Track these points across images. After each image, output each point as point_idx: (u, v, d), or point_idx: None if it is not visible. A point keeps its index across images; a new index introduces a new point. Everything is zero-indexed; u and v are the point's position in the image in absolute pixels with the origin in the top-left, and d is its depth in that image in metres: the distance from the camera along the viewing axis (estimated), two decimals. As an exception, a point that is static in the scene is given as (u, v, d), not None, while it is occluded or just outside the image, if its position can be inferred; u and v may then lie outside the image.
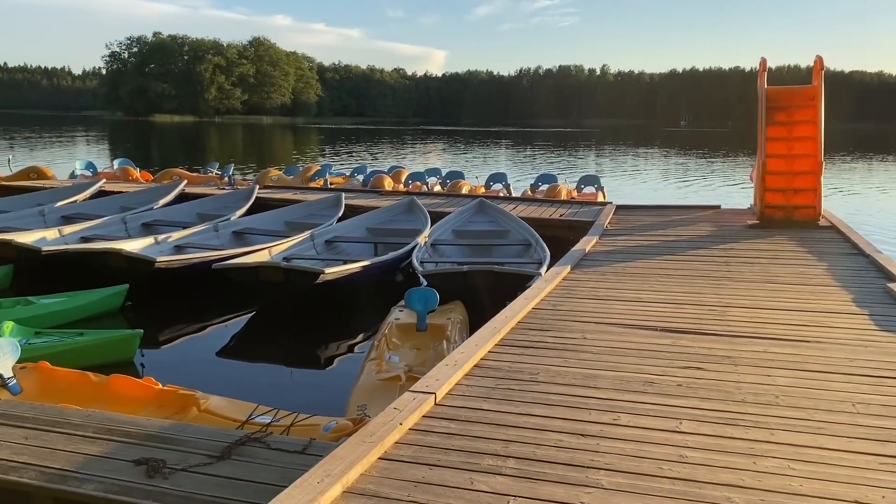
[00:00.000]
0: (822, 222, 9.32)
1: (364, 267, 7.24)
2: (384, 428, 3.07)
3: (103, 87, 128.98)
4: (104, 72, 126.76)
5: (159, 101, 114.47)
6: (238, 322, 6.88)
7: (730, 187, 21.36)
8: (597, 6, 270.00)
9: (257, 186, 11.75)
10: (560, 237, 10.05)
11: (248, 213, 10.54)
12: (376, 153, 38.55)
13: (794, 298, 5.72)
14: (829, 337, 4.66)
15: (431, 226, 9.48)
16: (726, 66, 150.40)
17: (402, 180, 14.32)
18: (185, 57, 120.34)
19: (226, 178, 14.13)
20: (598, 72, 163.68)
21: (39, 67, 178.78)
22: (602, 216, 10.23)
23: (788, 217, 9.39)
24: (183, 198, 11.49)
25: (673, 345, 4.51)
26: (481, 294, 6.59)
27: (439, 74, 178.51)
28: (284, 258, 8.06)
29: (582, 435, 3.15)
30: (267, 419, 3.92)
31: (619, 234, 9.04)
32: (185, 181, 12.54)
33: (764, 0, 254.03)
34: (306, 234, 8.78)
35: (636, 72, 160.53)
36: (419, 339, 5.39)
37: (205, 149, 42.21)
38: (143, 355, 5.46)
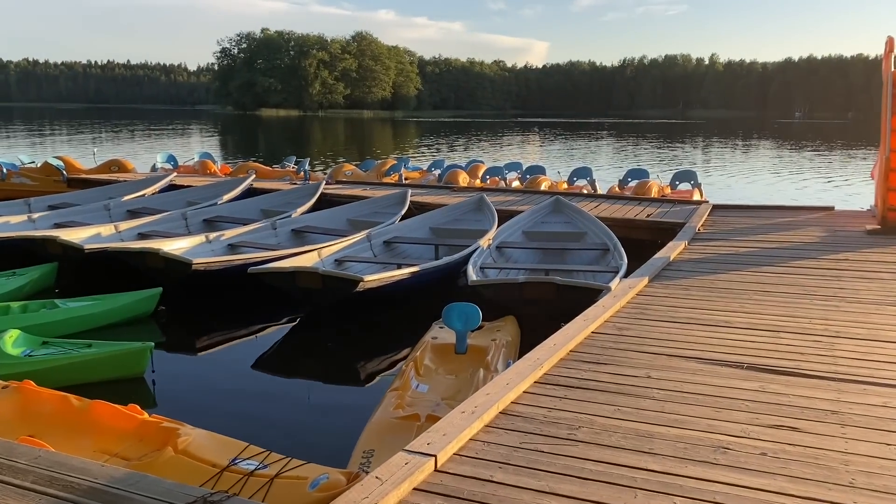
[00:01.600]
0: (960, 229, 7.90)
1: (413, 273, 6.55)
2: (356, 507, 2.36)
3: (214, 82, 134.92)
4: (216, 67, 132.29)
5: (266, 95, 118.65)
6: (278, 331, 6.34)
7: (847, 185, 19.35)
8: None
9: (324, 182, 11.29)
10: (645, 241, 9.06)
11: (314, 209, 10.09)
12: (469, 145, 37.94)
13: (926, 329, 4.60)
14: (975, 387, 3.58)
15: (501, 226, 8.70)
16: (848, 53, 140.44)
17: (480, 175, 13.55)
18: (291, 52, 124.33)
19: (301, 173, 13.82)
20: (707, 61, 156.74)
21: (158, 64, 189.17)
22: (695, 217, 9.13)
23: (917, 222, 8.02)
24: (251, 193, 11.19)
25: (761, 390, 3.57)
26: (540, 309, 5.78)
27: (540, 66, 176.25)
28: (336, 260, 7.50)
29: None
30: (252, 465, 3.30)
31: (712, 239, 7.97)
32: (254, 175, 12.25)
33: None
34: (363, 233, 8.20)
35: (747, 61, 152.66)
36: (457, 364, 4.65)
37: (308, 142, 42.92)
38: (153, 371, 4.98)
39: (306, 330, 6.39)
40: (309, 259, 7.06)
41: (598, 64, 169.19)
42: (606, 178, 17.90)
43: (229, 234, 8.35)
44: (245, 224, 8.96)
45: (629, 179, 12.97)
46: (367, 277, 6.01)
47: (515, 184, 13.23)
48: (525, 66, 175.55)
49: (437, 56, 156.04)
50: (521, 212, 9.37)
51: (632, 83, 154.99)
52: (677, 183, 12.84)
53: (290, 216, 9.31)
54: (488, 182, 13.36)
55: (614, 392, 3.55)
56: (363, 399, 4.73)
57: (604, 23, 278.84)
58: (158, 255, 6.67)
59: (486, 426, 3.10)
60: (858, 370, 3.85)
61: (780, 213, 9.64)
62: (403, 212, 9.49)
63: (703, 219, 9.09)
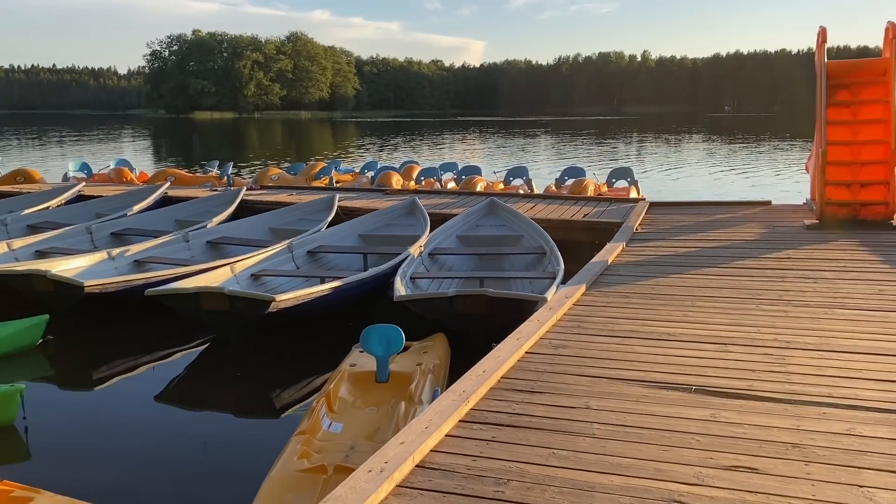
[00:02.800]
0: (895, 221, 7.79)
1: (335, 288, 6.01)
2: None
3: (145, 85, 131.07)
4: (146, 71, 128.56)
5: (199, 98, 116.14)
6: (183, 359, 5.70)
7: (779, 178, 19.58)
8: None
9: (244, 189, 10.61)
10: (583, 242, 8.72)
11: (233, 218, 9.41)
12: (407, 146, 37.38)
13: (878, 334, 4.30)
14: (941, 405, 3.26)
15: (434, 230, 8.23)
16: (771, 48, 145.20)
17: (414, 177, 13.05)
18: (224, 54, 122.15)
19: (224, 179, 13.08)
20: (640, 58, 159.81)
21: (86, 68, 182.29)
22: (632, 216, 8.83)
23: (854, 216, 7.88)
24: (166, 202, 10.42)
25: (713, 419, 3.17)
26: (472, 324, 5.31)
27: (477, 65, 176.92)
28: (253, 275, 6.89)
29: None
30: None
31: (650, 240, 7.65)
32: (168, 183, 11.46)
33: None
34: (284, 244, 7.59)
35: (678, 57, 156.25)
36: (377, 394, 4.13)
37: (244, 145, 41.71)
38: (25, 418, 4.31)
39: (215, 357, 5.77)
40: (220, 276, 6.44)
41: (534, 62, 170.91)
42: (544, 176, 17.64)
43: (136, 248, 7.63)
44: (156, 237, 8.24)
45: (566, 178, 12.67)
46: (281, 296, 5.44)
47: (451, 185, 12.78)
48: (463, 65, 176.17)
49: (374, 56, 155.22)
50: (456, 215, 8.92)
51: (568, 81, 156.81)
52: (614, 181, 12.60)
53: (205, 227, 8.63)
54: (423, 184, 12.88)
55: (549, 430, 3.09)
56: (275, 438, 4.17)
57: (539, 21, 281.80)
58: (46, 277, 5.95)
59: (398, 487, 2.60)
60: (815, 388, 3.49)
61: (717, 209, 9.43)
62: (330, 218, 8.92)
63: (641, 217, 8.80)
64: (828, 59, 8.34)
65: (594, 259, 6.57)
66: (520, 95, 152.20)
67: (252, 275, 6.86)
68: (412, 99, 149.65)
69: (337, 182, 13.07)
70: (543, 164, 24.32)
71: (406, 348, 4.78)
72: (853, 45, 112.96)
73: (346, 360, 4.51)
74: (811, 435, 2.98)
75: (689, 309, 5.00)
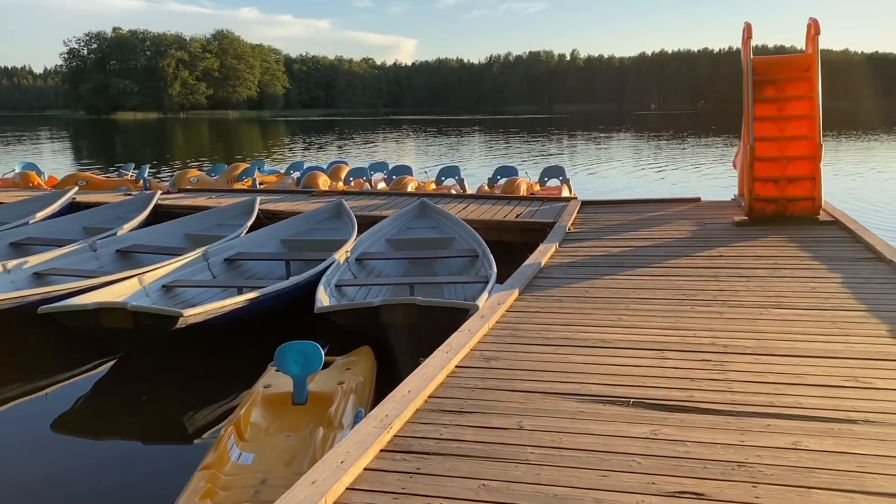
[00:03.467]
0: (822, 216, 7.85)
1: (253, 299, 5.60)
2: None
3: (63, 85, 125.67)
4: (64, 70, 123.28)
5: (121, 98, 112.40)
6: (83, 382, 5.21)
7: (706, 174, 19.93)
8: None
9: (158, 193, 10.01)
10: (516, 243, 8.53)
11: (146, 224, 8.84)
12: (338, 145, 36.74)
13: (815, 335, 4.20)
14: (887, 411, 3.13)
15: (362, 234, 7.88)
16: (695, 47, 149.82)
17: (342, 178, 12.64)
18: (147, 52, 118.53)
19: (140, 182, 12.39)
20: (569, 57, 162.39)
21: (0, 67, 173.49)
22: (564, 216, 8.68)
23: (782, 211, 7.90)
24: (74, 208, 9.73)
25: (654, 437, 2.95)
26: (402, 334, 5.00)
27: (409, 63, 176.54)
28: (165, 286, 6.40)
29: None
30: None
31: (583, 239, 7.50)
32: (77, 188, 10.74)
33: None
34: (200, 251, 7.11)
35: (606, 56, 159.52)
36: (294, 419, 3.78)
37: (169, 145, 40.24)
38: None
39: (118, 378, 5.29)
40: (127, 288, 5.94)
41: (465, 61, 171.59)
42: (477, 175, 17.46)
43: (36, 260, 7.01)
44: (60, 247, 7.61)
45: (498, 177, 12.49)
46: (190, 311, 5.00)
47: (381, 185, 12.41)
48: (395, 63, 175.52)
49: (304, 54, 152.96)
50: (386, 217, 8.59)
51: (499, 80, 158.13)
52: (546, 179, 12.49)
53: (115, 234, 8.05)
54: (352, 184, 12.50)
55: (480, 457, 2.81)
56: (181, 471, 3.76)
57: (469, 20, 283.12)
58: (-78, 296, 5.35)
59: (306, 537, 2.27)
60: (756, 397, 3.33)
61: (648, 207, 9.38)
62: (250, 223, 8.45)
63: (573, 216, 8.66)
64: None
65: (527, 262, 6.35)
66: (452, 94, 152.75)
67: (163, 286, 6.37)
68: (344, 97, 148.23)
69: (261, 184, 12.54)
70: (476, 164, 24.19)
71: (327, 364, 4.45)
72: (770, 45, 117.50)
73: (260, 381, 4.14)
74: (757, 451, 2.79)
75: (623, 312, 4.81)
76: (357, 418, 3.75)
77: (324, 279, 6.02)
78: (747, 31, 8.15)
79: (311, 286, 6.21)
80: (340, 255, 6.83)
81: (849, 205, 10.55)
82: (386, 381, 4.21)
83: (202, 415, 4.65)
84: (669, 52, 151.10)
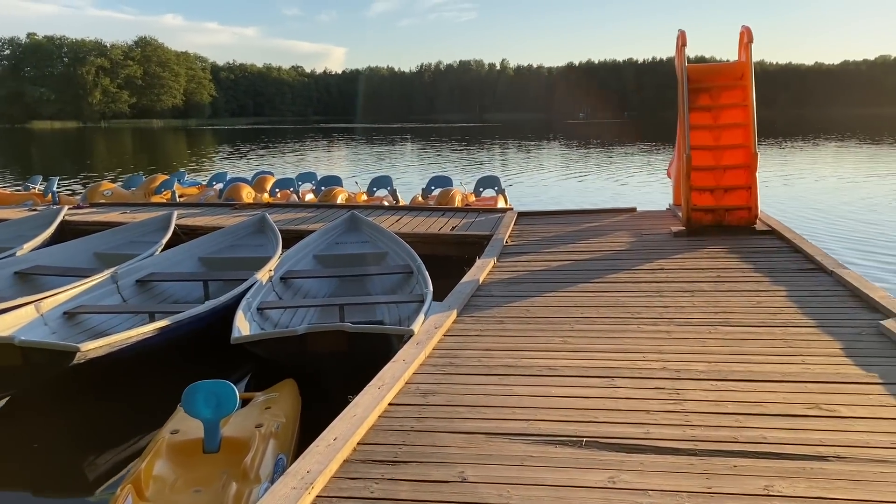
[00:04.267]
0: (758, 226, 7.79)
1: (164, 328, 5.06)
2: None
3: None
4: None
5: (37, 106, 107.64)
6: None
7: (639, 183, 20.09)
8: (493, 1, 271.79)
9: (65, 208, 9.26)
10: (452, 257, 8.20)
11: (50, 243, 8.11)
12: (269, 154, 35.76)
13: (769, 356, 3.98)
14: (856, 444, 2.89)
15: (288, 250, 7.39)
16: (620, 58, 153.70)
17: (267, 189, 12.07)
18: (65, 59, 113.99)
19: (49, 196, 11.53)
20: (499, 66, 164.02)
21: None
22: (501, 228, 8.40)
23: (719, 221, 7.81)
24: (-31, 226, 8.88)
25: (612, 485, 2.62)
26: (329, 366, 4.57)
27: (339, 71, 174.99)
28: (67, 312, 5.77)
29: None
30: None
31: (521, 253, 7.22)
32: (-27, 204, 9.89)
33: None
34: (108, 272, 6.49)
35: (535, 66, 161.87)
36: (205, 469, 3.31)
37: (89, 156, 38.37)
38: None
39: (5, 424, 4.67)
40: (21, 317, 5.30)
41: (396, 69, 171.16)
42: (412, 185, 17.11)
43: (-85, 286, 6.27)
44: (-51, 270, 6.86)
45: (432, 188, 12.13)
46: (89, 344, 4.44)
47: (309, 197, 11.89)
48: (324, 71, 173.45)
49: (231, 62, 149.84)
50: (314, 231, 8.12)
51: (430, 88, 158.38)
52: (481, 190, 12.21)
53: (13, 254, 7.33)
54: (278, 196, 11.95)
55: (417, 520, 2.43)
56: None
57: (399, 29, 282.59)
58: None
59: None
60: (717, 431, 3.05)
61: (584, 218, 9.20)
62: (166, 239, 7.84)
63: (510, 229, 8.39)
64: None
65: (465, 278, 6.01)
66: (383, 102, 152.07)
67: (65, 313, 5.74)
68: (272, 105, 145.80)
69: (180, 197, 11.85)
70: (409, 173, 23.82)
71: (246, 401, 3.99)
72: (692, 55, 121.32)
73: (167, 426, 3.64)
74: (726, 501, 2.49)
75: (568, 334, 4.51)
76: (278, 467, 3.31)
77: (244, 302, 5.52)
78: (681, 39, 8.05)
79: (230, 309, 5.69)
80: (263, 275, 6.34)
81: (776, 210, 10.65)
82: (313, 418, 3.78)
83: (99, 466, 4.10)
84: (596, 61, 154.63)
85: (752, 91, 7.72)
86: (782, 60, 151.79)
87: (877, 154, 29.99)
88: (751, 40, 7.73)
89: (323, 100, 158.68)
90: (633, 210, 9.57)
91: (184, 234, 8.42)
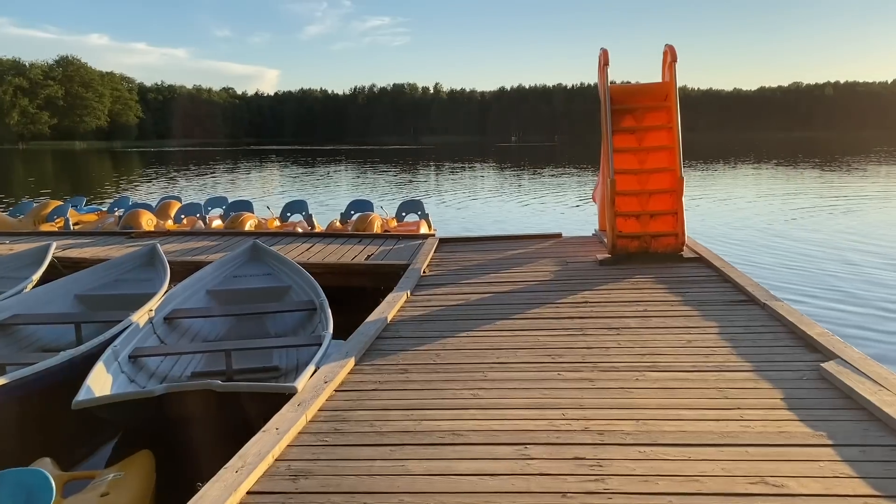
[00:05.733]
0: (685, 252, 7.42)
1: (22, 381, 4.22)
2: None
3: None
4: None
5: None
6: None
7: (567, 206, 19.89)
8: (427, 25, 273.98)
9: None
10: (366, 288, 7.59)
11: None
12: (185, 177, 34.38)
13: (703, 410, 3.48)
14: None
15: (179, 284, 6.60)
16: (550, 83, 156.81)
17: (172, 215, 11.17)
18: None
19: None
20: (432, 90, 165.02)
21: None
22: (420, 256, 7.81)
23: (645, 248, 7.41)
24: None
25: None
26: (196, 433, 3.84)
27: (272, 93, 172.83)
28: None
29: None
30: None
31: (439, 284, 6.64)
32: None
33: (580, 19, 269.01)
34: (-41, 316, 5.59)
35: (468, 90, 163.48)
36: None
37: (4, 179, 36.10)
38: None
39: None
40: None
41: (330, 92, 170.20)
42: (335, 208, 16.40)
43: None
44: None
45: (352, 213, 11.48)
46: None
47: (216, 223, 11.05)
48: (256, 93, 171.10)
49: (159, 83, 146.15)
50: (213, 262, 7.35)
51: (365, 110, 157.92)
52: (404, 214, 11.63)
53: None
54: (184, 223, 11.06)
55: None
56: None
57: (333, 52, 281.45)
58: None
59: None
60: (646, 519, 2.50)
61: (508, 244, 8.70)
62: (38, 275, 6.93)
63: (430, 257, 7.81)
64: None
65: (371, 317, 5.38)
66: (317, 124, 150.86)
67: None
68: (203, 127, 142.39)
69: (75, 224, 10.84)
70: (337, 197, 23.07)
71: (91, 478, 3.25)
72: (618, 80, 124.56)
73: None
74: None
75: (480, 386, 3.93)
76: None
77: (108, 351, 4.72)
78: (603, 57, 7.67)
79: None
80: (140, 315, 5.54)
81: (701, 235, 10.43)
82: (173, 499, 3.09)
83: None
84: (527, 86, 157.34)
85: (676, 113, 7.39)
86: (703, 86, 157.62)
87: (794, 175, 30.83)
88: (674, 59, 7.42)
89: (255, 121, 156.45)
90: (558, 236, 9.14)
91: (65, 269, 7.52)
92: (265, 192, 25.02)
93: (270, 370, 5.41)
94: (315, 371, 4.20)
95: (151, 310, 5.77)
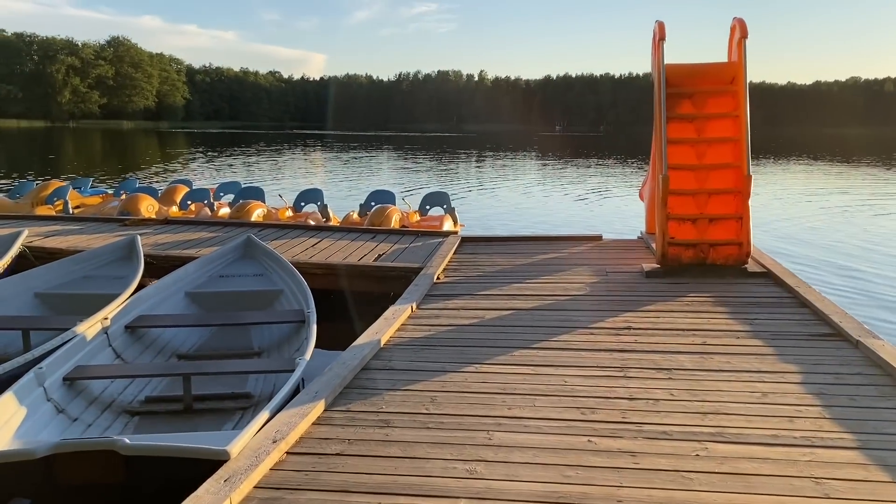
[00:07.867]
0: (750, 266, 6.25)
1: None
2: None
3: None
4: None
5: (4, 104, 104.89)
6: None
7: (608, 202, 18.59)
8: (475, 12, 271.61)
9: None
10: (373, 293, 6.60)
11: None
12: (230, 160, 33.87)
13: (783, 476, 2.39)
14: None
15: (151, 285, 5.70)
16: (597, 72, 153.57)
17: (178, 201, 10.33)
18: (35, 57, 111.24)
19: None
20: (477, 77, 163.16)
21: None
22: (436, 259, 6.79)
23: (701, 259, 6.26)
24: None
25: None
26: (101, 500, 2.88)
27: (318, 78, 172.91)
28: None
29: None
30: None
31: (453, 295, 5.61)
32: None
33: (629, 7, 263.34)
34: None
35: (513, 77, 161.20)
36: None
37: (57, 156, 36.31)
38: None
39: None
40: None
41: (375, 78, 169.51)
42: (357, 197, 15.46)
43: None
44: None
45: (372, 203, 10.48)
46: None
47: (224, 211, 10.15)
48: (303, 77, 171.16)
49: (207, 65, 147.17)
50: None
51: (408, 97, 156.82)
52: (428, 207, 10.59)
53: None
54: (190, 209, 10.21)
55: None
56: None
57: (379, 38, 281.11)
58: None
59: None
60: None
61: (540, 246, 7.63)
62: (1, 266, 6.10)
63: (447, 260, 6.79)
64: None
65: (360, 339, 4.38)
66: (361, 110, 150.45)
67: None
68: (248, 110, 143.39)
69: (75, 208, 10.08)
70: (364, 183, 22.15)
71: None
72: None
73: None
74: None
75: (481, 452, 2.90)
76: None
77: (30, 374, 3.80)
78: (659, 31, 6.48)
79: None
80: (91, 324, 4.63)
81: (767, 244, 9.18)
82: None
83: None
84: (574, 75, 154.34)
85: (745, 99, 6.19)
86: (756, 79, 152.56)
87: (862, 175, 28.89)
88: (744, 35, 6.20)
89: (300, 106, 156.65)
90: (598, 238, 8.01)
91: (37, 260, 6.69)
92: (315, 177, 24.18)
93: (240, 397, 4.46)
94: (270, 418, 3.21)
95: (107, 317, 4.85)
